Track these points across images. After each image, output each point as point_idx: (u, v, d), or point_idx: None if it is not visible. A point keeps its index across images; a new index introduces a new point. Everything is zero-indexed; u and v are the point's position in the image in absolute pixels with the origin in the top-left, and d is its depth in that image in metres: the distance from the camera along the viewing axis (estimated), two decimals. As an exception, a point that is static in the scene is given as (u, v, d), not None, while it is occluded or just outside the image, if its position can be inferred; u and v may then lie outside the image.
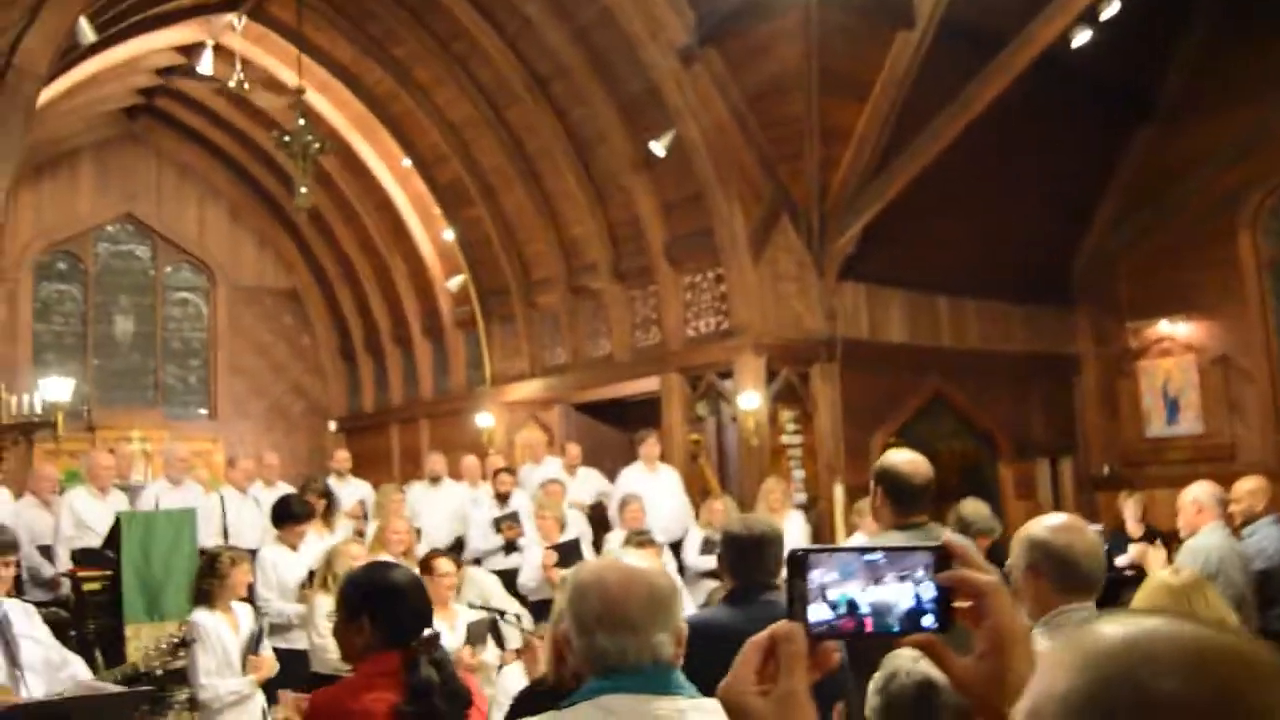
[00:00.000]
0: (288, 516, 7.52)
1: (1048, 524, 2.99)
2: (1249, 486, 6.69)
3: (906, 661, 2.36)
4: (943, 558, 1.17)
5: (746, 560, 3.68)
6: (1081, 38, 10.12)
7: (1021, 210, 11.89)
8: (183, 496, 9.46)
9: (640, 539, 7.71)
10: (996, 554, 5.45)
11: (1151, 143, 12.60)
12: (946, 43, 9.99)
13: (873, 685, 2.43)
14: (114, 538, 7.81)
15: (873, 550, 1.18)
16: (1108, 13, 9.81)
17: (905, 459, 3.84)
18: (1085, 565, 2.87)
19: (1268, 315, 11.84)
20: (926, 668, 2.32)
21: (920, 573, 1.17)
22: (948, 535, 2.86)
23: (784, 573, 1.19)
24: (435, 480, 11.13)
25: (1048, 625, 2.82)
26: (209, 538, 9.27)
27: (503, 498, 10.16)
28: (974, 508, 6.23)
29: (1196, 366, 12.19)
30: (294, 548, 7.38)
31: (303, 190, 11.31)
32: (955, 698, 2.34)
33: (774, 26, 9.92)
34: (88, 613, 7.94)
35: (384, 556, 6.93)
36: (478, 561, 9.44)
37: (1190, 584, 3.51)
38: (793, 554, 1.17)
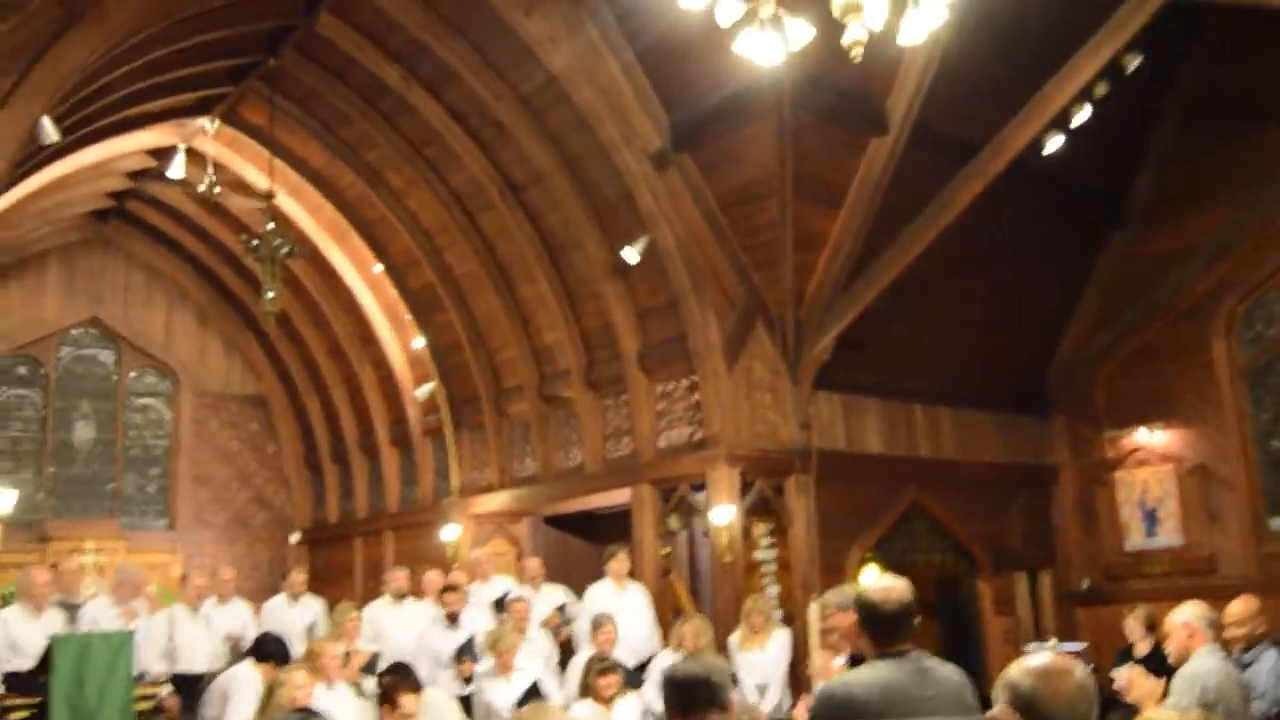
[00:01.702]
0: (267, 655, 7.20)
1: (1026, 666, 2.69)
2: (1248, 609, 6.41)
3: None
4: None
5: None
6: (1054, 144, 10.18)
7: (997, 318, 11.87)
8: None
9: (602, 666, 7.40)
10: None
11: (1124, 249, 12.65)
12: (920, 149, 10.01)
13: None
14: (47, 661, 7.41)
15: None
16: (1079, 119, 9.89)
17: (877, 586, 3.74)
18: (1064, 714, 2.59)
19: (1244, 423, 11.77)
20: None
21: None
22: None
23: None
24: (399, 597, 10.69)
25: None
26: (155, 661, 8.88)
27: (452, 618, 9.72)
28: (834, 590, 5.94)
29: (1174, 476, 12.06)
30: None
31: (270, 295, 11.16)
32: None
33: (747, 132, 9.91)
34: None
35: (319, 685, 6.61)
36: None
37: None
38: None
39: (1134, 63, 10.05)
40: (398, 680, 5.58)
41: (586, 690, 7.33)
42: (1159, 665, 9.44)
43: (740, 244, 10.59)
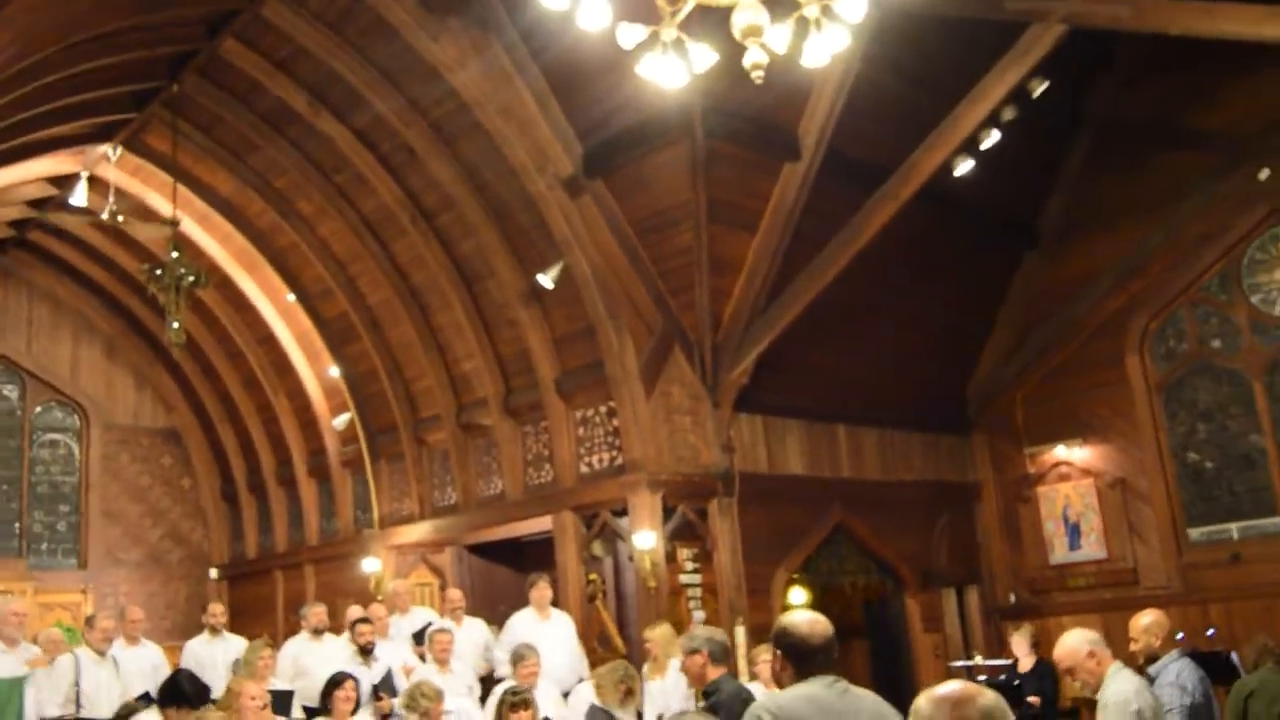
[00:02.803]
0: (177, 698, 6.83)
1: (934, 698, 2.63)
2: (1145, 622, 6.50)
3: None
4: None
5: None
6: (964, 167, 10.22)
7: (915, 338, 11.90)
8: (15, 661, 8.64)
9: (514, 700, 7.15)
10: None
11: (1037, 270, 12.79)
12: (833, 174, 10.01)
13: None
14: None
15: None
16: (987, 143, 9.94)
17: (804, 619, 3.76)
18: None
19: (1160, 436, 11.90)
20: None
21: None
22: None
23: None
24: (317, 633, 10.36)
25: None
26: (56, 706, 8.51)
27: (365, 651, 9.43)
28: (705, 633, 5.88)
29: (1095, 490, 12.16)
30: None
31: (174, 325, 10.88)
32: None
33: (659, 158, 9.84)
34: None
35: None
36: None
37: None
38: None
39: (1040, 87, 10.13)
40: None
41: None
42: (1040, 682, 9.61)
43: (656, 269, 10.49)
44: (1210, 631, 10.41)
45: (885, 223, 10.06)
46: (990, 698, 2.59)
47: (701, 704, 5.35)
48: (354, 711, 7.52)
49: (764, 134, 9.88)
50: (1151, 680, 6.27)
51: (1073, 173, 12.55)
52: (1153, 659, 6.42)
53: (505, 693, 7.43)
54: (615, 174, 10.16)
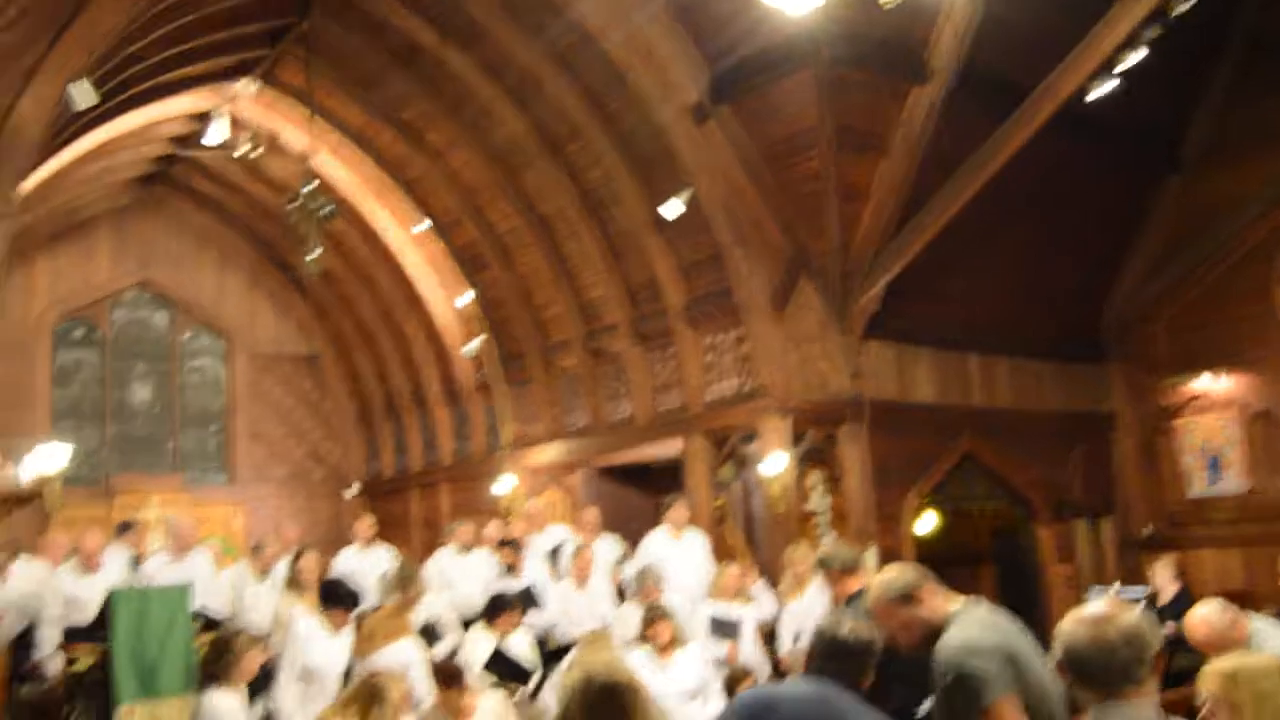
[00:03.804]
0: (335, 600, 7.18)
1: (1075, 617, 2.79)
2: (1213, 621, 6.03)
3: None
4: None
5: None
6: (1104, 88, 9.80)
7: (1050, 264, 11.59)
8: (184, 570, 9.10)
9: (655, 613, 7.37)
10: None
11: (1180, 193, 12.24)
12: (964, 97, 9.71)
13: None
14: (105, 616, 7.53)
15: None
16: (1127, 63, 9.49)
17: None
18: (1091, 664, 2.66)
19: (1307, 368, 11.39)
20: None
21: None
22: None
23: None
24: (466, 549, 10.73)
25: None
26: (221, 609, 8.94)
27: (510, 569, 9.79)
28: (834, 548, 5.87)
29: (1238, 423, 11.72)
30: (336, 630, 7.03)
31: (311, 255, 11.18)
32: None
33: (787, 84, 9.67)
34: (78, 693, 7.70)
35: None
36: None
37: None
38: None
39: (1183, 4, 9.62)
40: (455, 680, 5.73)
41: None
42: (1182, 613, 9.32)
43: (784, 196, 10.37)
44: None
45: (1020, 146, 9.76)
46: (1131, 619, 2.66)
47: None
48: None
49: (891, 58, 9.62)
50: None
51: (1219, 92, 11.89)
52: None
53: (648, 607, 7.67)
54: (741, 101, 10.03)
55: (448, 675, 5.93)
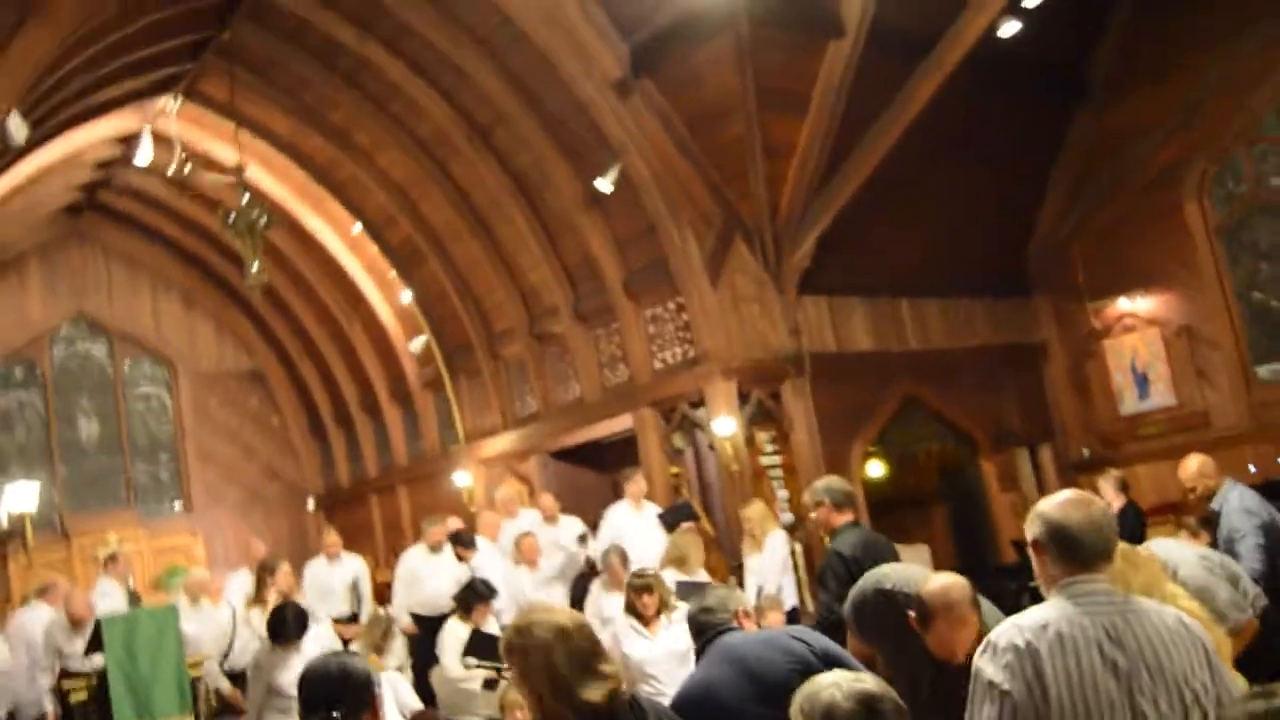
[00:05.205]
0: (284, 633, 7.29)
1: (1052, 500, 3.03)
2: (1194, 467, 6.88)
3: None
4: None
5: None
6: (1009, 28, 10.21)
7: (971, 205, 11.97)
8: (200, 618, 9.17)
9: (640, 583, 7.40)
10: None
11: (1090, 123, 12.70)
12: (878, 48, 10.05)
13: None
14: (95, 642, 7.65)
15: None
16: (1032, 2, 9.90)
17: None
18: (1082, 540, 2.90)
19: (1224, 281, 11.93)
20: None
21: None
22: None
23: None
24: (435, 548, 10.93)
25: (1061, 592, 2.90)
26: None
27: (462, 559, 9.98)
28: (829, 480, 6.15)
29: (1161, 339, 12.25)
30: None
31: (254, 269, 11.25)
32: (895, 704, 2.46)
33: (706, 50, 9.97)
34: (76, 720, 7.81)
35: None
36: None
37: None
38: None
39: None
40: None
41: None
42: (1130, 526, 9.80)
43: (711, 161, 10.67)
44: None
45: (934, 93, 10.14)
46: (1101, 506, 2.99)
47: (832, 546, 5.65)
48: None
49: (807, 14, 9.95)
50: (1217, 515, 6.55)
51: (1121, 21, 12.32)
52: (1210, 498, 6.69)
53: (632, 576, 7.83)
54: (663, 71, 10.31)
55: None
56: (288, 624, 6.98)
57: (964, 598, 3.76)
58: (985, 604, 3.95)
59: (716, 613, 4.16)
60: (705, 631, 4.15)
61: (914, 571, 4.19)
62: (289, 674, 7.03)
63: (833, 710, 2.43)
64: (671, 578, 8.49)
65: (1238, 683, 2.99)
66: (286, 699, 6.97)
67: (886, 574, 4.18)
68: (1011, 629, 2.85)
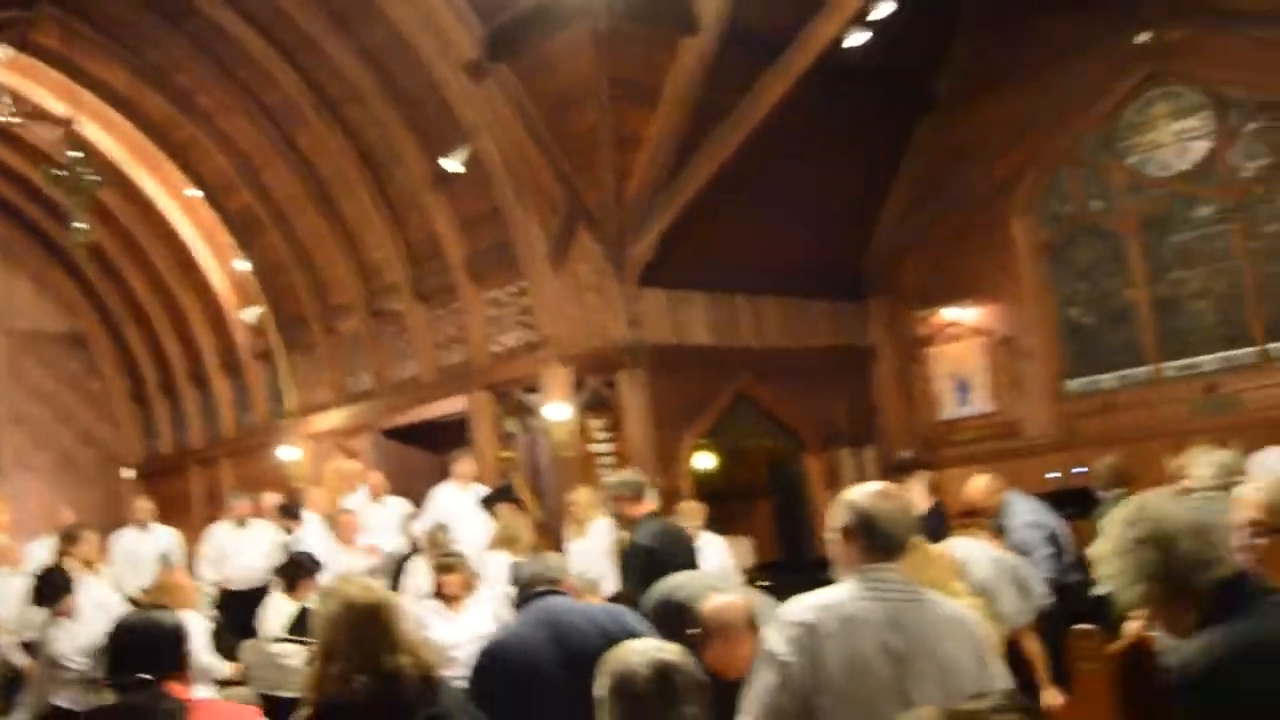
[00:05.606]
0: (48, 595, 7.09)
1: (862, 490, 3.23)
2: (982, 485, 6.95)
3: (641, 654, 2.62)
4: None
5: None
6: (858, 38, 10.50)
7: (815, 207, 12.25)
8: None
9: (445, 561, 7.47)
10: None
11: (930, 136, 13.14)
12: (733, 47, 10.25)
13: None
14: None
15: None
16: (880, 12, 10.21)
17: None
18: (889, 530, 3.10)
19: (1047, 296, 12.49)
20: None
21: None
22: None
23: None
24: (242, 522, 10.80)
25: (858, 577, 3.08)
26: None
27: (289, 532, 9.94)
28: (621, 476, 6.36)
29: (984, 349, 12.78)
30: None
31: (77, 226, 10.86)
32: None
33: (562, 39, 10.01)
34: None
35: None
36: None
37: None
38: None
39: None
40: None
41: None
42: (934, 525, 10.22)
43: (562, 149, 10.70)
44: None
45: (782, 95, 10.39)
46: (906, 500, 3.17)
47: (629, 537, 5.79)
48: None
49: (664, 9, 10.05)
50: (1002, 529, 6.90)
51: (965, 36, 12.78)
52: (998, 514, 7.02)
53: (437, 556, 7.84)
54: (519, 56, 10.30)
55: None
56: (54, 587, 6.82)
57: (739, 619, 3.75)
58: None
59: (543, 576, 4.24)
60: (527, 590, 4.25)
61: (707, 583, 4.19)
62: (68, 643, 6.87)
63: (631, 677, 2.55)
64: (502, 559, 8.58)
65: (1003, 679, 3.18)
66: (66, 669, 6.79)
67: (682, 584, 4.19)
68: (802, 606, 3.02)
